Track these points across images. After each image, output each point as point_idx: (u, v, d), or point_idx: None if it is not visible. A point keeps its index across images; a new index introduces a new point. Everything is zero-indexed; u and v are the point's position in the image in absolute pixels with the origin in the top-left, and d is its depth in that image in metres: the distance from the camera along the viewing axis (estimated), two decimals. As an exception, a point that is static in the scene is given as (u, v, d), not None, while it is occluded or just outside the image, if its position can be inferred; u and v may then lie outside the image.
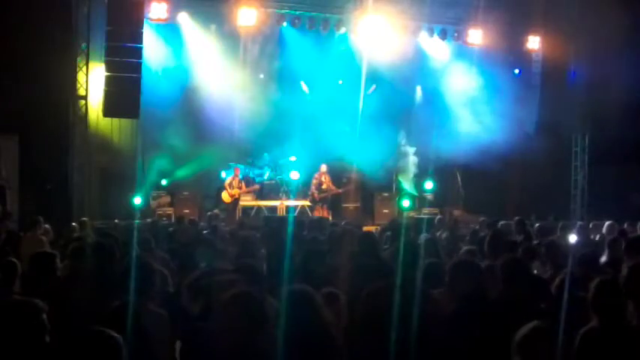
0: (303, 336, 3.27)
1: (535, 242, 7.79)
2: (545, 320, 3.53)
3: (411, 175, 16.82)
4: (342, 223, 10.83)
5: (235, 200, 15.73)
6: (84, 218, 12.01)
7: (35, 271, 4.80)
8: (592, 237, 9.73)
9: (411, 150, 16.84)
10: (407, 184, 16.81)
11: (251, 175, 16.59)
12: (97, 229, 10.34)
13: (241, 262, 4.84)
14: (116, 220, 13.02)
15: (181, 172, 15.90)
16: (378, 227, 11.64)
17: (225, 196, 15.70)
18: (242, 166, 16.43)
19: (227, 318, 3.17)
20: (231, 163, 16.25)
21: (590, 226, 10.53)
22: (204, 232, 9.80)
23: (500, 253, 5.96)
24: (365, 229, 10.35)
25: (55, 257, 5.09)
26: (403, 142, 16.97)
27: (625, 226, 9.91)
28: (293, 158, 16.81)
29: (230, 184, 15.75)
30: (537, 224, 10.19)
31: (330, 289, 4.32)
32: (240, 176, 16.05)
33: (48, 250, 6.12)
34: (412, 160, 16.76)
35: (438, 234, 9.86)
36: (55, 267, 5.03)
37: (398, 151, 16.99)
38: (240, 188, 15.80)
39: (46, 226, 9.71)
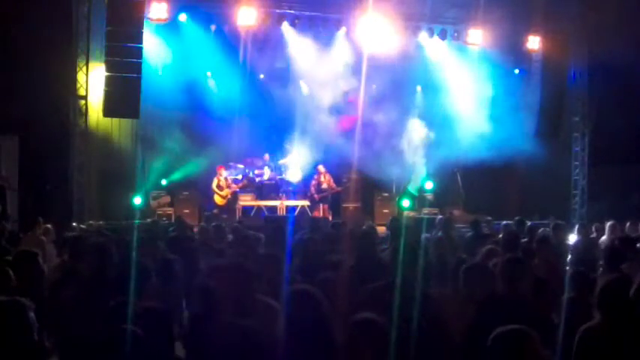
0: (306, 334, 3.26)
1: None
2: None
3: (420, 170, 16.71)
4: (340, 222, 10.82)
5: (230, 199, 15.68)
6: (91, 222, 12.08)
7: (19, 270, 4.79)
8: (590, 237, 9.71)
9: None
10: (413, 185, 16.75)
11: (251, 175, 16.57)
12: (96, 230, 10.37)
13: (233, 262, 4.84)
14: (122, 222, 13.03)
15: (181, 172, 15.89)
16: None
17: (218, 199, 15.61)
18: (242, 166, 16.44)
19: None
20: (230, 163, 16.25)
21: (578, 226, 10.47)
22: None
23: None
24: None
25: (37, 256, 5.06)
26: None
27: (627, 225, 9.88)
28: (293, 158, 16.79)
29: (218, 186, 15.64)
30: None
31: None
32: (240, 176, 16.04)
33: (35, 249, 6.06)
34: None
35: (432, 233, 9.83)
36: (39, 265, 5.00)
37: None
38: (229, 187, 15.73)
39: (48, 226, 9.69)
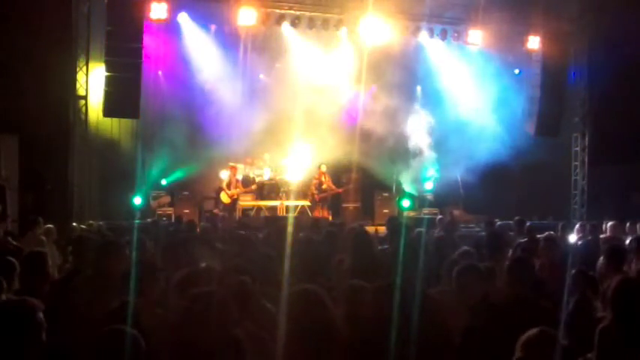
0: (310, 334, 3.26)
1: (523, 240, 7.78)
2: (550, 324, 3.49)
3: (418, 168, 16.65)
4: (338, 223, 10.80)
5: (234, 200, 15.68)
6: (91, 222, 12.07)
7: (27, 271, 4.80)
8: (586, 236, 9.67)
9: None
10: (408, 184, 16.73)
11: (251, 175, 16.55)
12: (96, 230, 10.36)
13: (233, 262, 4.84)
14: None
15: (181, 172, 15.88)
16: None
17: (225, 197, 15.59)
18: (242, 166, 16.41)
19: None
20: (231, 163, 16.24)
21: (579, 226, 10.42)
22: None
23: (496, 253, 5.95)
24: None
25: (46, 256, 5.08)
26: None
27: (627, 225, 9.87)
28: (293, 158, 16.76)
29: (228, 185, 15.65)
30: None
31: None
32: (240, 176, 16.02)
33: (43, 249, 6.08)
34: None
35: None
36: (47, 266, 5.01)
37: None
38: (237, 187, 15.72)
39: (50, 226, 9.68)
